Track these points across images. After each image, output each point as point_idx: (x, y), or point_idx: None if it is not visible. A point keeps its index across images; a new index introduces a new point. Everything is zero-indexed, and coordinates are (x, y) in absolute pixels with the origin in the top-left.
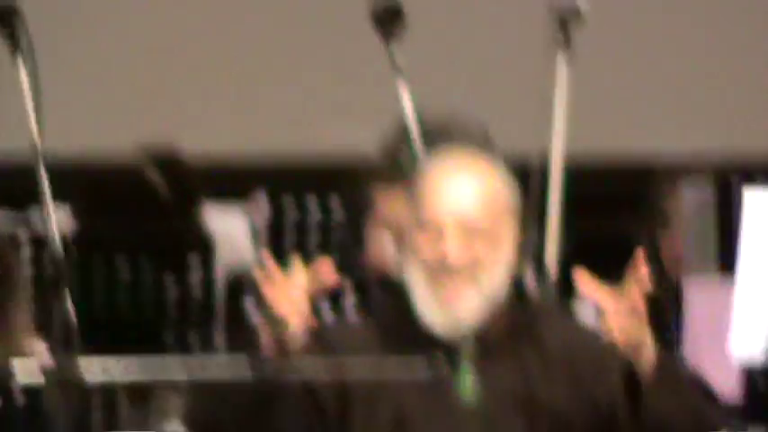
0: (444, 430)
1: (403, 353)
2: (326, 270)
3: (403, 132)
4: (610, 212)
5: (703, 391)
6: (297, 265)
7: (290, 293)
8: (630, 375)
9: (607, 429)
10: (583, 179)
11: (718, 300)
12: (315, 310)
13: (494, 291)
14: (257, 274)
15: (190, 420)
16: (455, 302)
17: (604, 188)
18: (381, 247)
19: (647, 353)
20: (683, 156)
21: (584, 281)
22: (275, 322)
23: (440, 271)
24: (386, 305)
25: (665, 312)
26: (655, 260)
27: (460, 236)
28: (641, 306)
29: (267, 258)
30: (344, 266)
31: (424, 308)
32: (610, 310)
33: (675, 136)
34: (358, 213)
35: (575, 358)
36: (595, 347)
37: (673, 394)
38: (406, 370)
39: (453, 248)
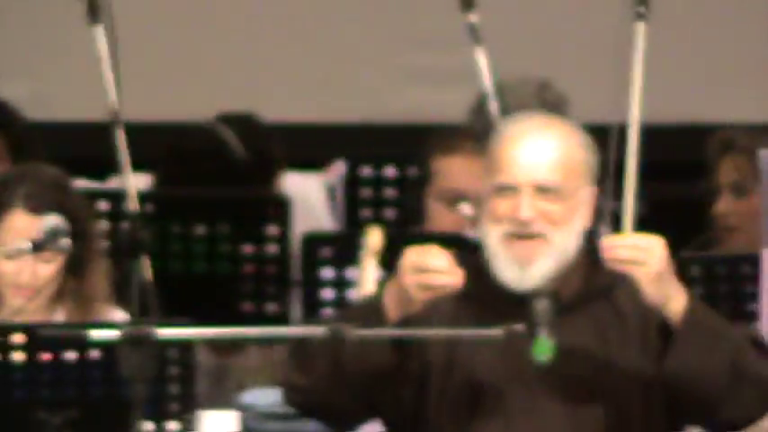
0: (520, 391)
1: (478, 313)
2: None
3: (481, 100)
4: (685, 177)
5: (758, 348)
6: (373, 233)
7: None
8: (662, 326)
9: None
10: (660, 144)
11: None
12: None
13: (567, 251)
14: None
15: (294, 388)
16: (529, 261)
17: (681, 153)
18: (441, 214)
19: (675, 305)
20: (760, 125)
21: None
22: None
23: (514, 230)
24: (467, 268)
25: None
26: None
27: (534, 196)
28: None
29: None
30: (419, 232)
31: (498, 268)
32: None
33: (753, 105)
34: (419, 181)
35: (648, 323)
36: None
37: (702, 347)
38: (483, 332)
39: (526, 207)
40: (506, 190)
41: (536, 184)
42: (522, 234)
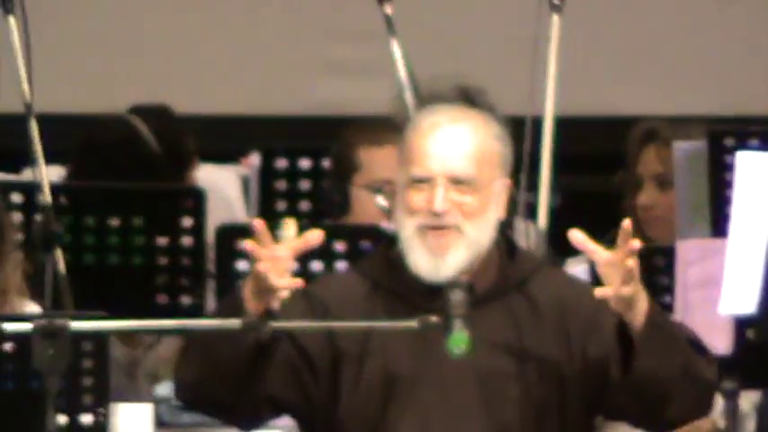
0: (435, 382)
1: (392, 305)
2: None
3: (397, 91)
4: (600, 169)
5: (695, 347)
6: (288, 225)
7: (277, 256)
8: (622, 330)
9: (598, 385)
10: (575, 136)
11: (710, 259)
12: (305, 268)
13: (481, 243)
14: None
15: (181, 384)
16: (443, 252)
17: (596, 145)
18: (366, 206)
19: (639, 309)
20: (677, 117)
21: (578, 237)
22: (261, 284)
23: (428, 222)
24: (375, 259)
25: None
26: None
27: (448, 187)
28: (632, 262)
29: (257, 223)
30: (334, 223)
31: (413, 259)
32: (602, 263)
33: (669, 97)
34: (343, 173)
35: (566, 312)
36: (587, 303)
37: (663, 350)
38: (398, 324)
39: (440, 199)
40: (420, 182)
41: (450, 175)
42: (435, 226)
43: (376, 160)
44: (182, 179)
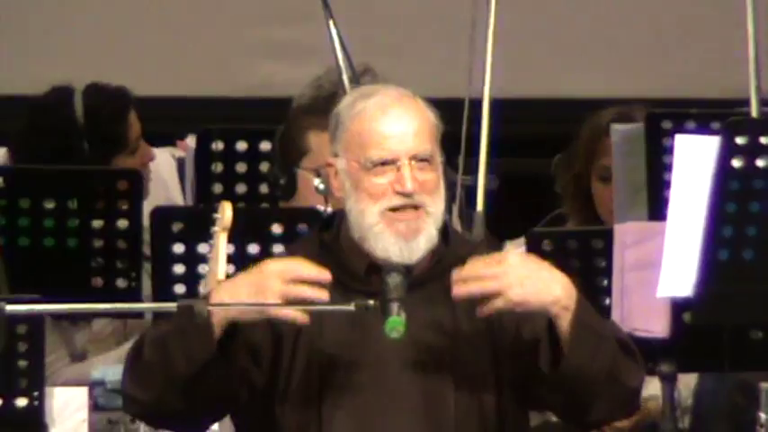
0: (371, 365)
1: (329, 289)
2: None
3: (335, 73)
4: (539, 152)
5: (625, 350)
6: (224, 208)
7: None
8: (550, 329)
9: (528, 369)
10: (513, 119)
11: (648, 242)
12: (242, 251)
13: (440, 219)
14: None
15: (135, 402)
16: (415, 234)
17: (534, 128)
18: (312, 189)
19: (564, 301)
20: (617, 99)
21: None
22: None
23: (396, 204)
24: (309, 243)
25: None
26: (583, 209)
27: (413, 168)
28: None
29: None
30: (274, 206)
31: (381, 245)
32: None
33: (609, 80)
34: (291, 156)
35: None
36: None
37: (589, 351)
38: (334, 307)
39: (409, 179)
40: (383, 165)
41: (412, 154)
42: (405, 207)
43: (325, 144)
44: (107, 163)
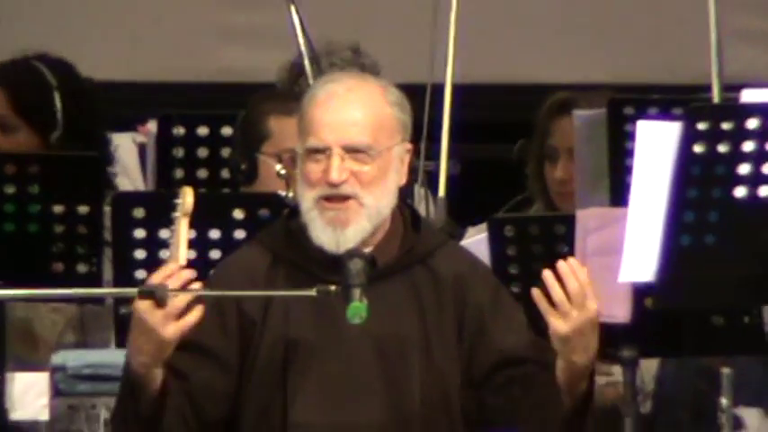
0: (336, 351)
1: (293, 277)
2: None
3: (298, 60)
4: (501, 137)
5: None
6: (185, 193)
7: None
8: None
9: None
10: (475, 104)
11: (610, 227)
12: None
13: (381, 211)
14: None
15: None
16: (343, 224)
17: (496, 113)
18: (273, 174)
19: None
20: (578, 84)
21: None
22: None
23: (326, 193)
24: (276, 230)
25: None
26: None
27: (344, 157)
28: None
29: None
30: (235, 191)
31: (314, 232)
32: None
33: (569, 65)
34: (252, 142)
35: (465, 290)
36: (484, 290)
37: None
38: (296, 293)
39: (336, 169)
40: (317, 152)
41: (344, 144)
42: (333, 196)
43: (286, 129)
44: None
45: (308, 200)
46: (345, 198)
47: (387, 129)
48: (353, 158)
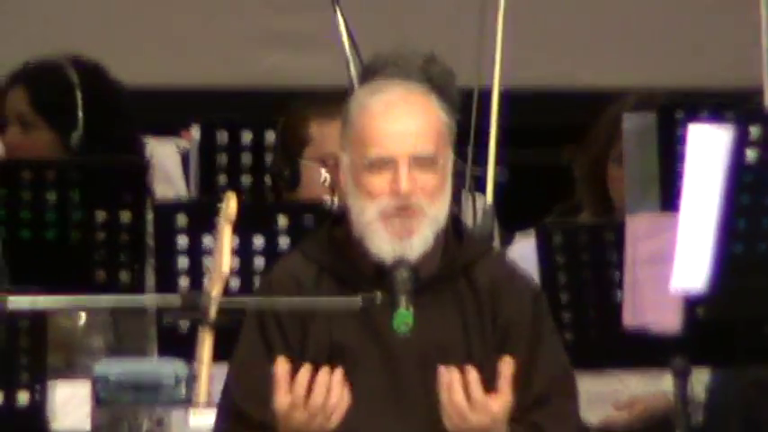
0: (380, 360)
1: (339, 290)
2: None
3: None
4: (549, 143)
5: None
6: (228, 199)
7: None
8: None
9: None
10: (522, 109)
11: (660, 234)
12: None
13: (441, 221)
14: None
15: None
16: (409, 235)
17: (547, 119)
18: (316, 180)
19: None
20: (627, 89)
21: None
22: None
23: (393, 205)
24: (320, 240)
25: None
26: (599, 195)
27: (412, 169)
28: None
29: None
30: (276, 198)
31: (377, 244)
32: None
33: (619, 69)
34: (293, 147)
35: (499, 300)
36: (519, 296)
37: None
38: (341, 300)
39: (405, 180)
40: (381, 164)
41: (412, 155)
42: (401, 207)
43: (327, 134)
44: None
45: (370, 213)
46: (413, 210)
47: (444, 136)
48: (419, 168)
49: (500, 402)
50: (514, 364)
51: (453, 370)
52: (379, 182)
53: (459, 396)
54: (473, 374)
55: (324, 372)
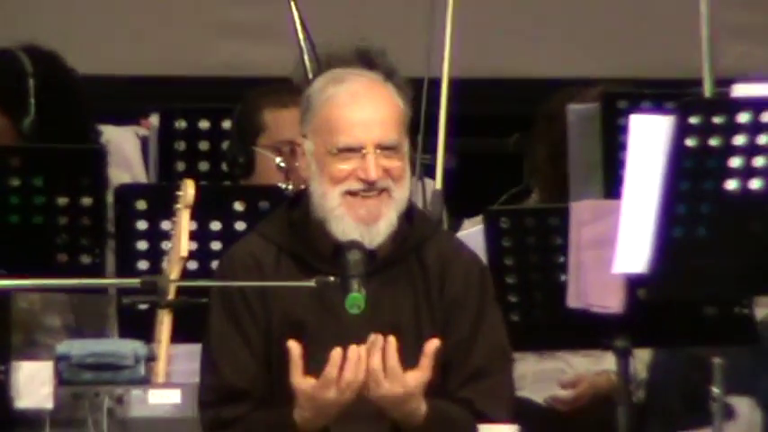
0: (336, 338)
1: (298, 269)
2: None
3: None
4: (496, 131)
5: None
6: (187, 186)
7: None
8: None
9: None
10: (471, 98)
11: (603, 219)
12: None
13: (403, 204)
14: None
15: None
16: (375, 219)
17: (494, 108)
18: (271, 166)
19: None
20: (572, 80)
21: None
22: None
23: (357, 188)
24: (277, 222)
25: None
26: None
27: (378, 156)
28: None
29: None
30: (237, 184)
31: (341, 227)
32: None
33: (564, 61)
34: (248, 135)
35: (446, 276)
36: (466, 276)
37: None
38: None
39: (373, 167)
40: (348, 151)
41: (378, 142)
42: (367, 189)
43: (281, 121)
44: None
45: (333, 197)
46: (379, 191)
47: (403, 124)
48: (385, 155)
49: (416, 376)
50: (455, 338)
51: (379, 337)
52: (344, 167)
53: (375, 362)
54: (392, 343)
55: (353, 349)
